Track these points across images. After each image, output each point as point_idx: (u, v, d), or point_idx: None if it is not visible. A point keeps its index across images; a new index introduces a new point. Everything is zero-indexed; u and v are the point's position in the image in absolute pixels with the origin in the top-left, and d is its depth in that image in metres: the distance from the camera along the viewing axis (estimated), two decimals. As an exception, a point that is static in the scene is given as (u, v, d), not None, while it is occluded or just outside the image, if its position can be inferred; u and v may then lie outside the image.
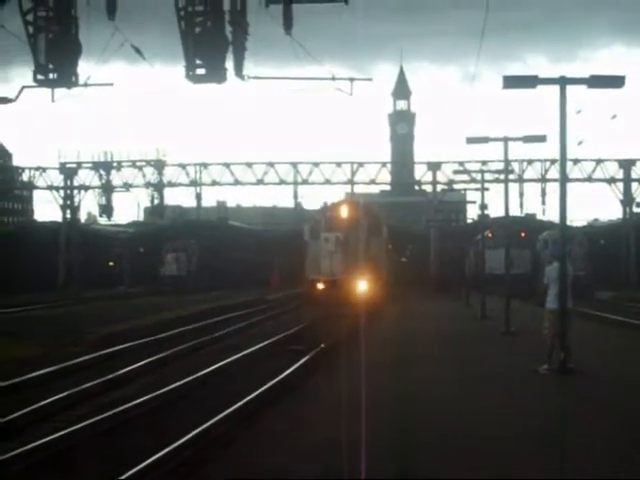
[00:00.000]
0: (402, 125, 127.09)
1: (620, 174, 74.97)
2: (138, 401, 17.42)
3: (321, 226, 43.84)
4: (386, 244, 50.37)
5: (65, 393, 18.59)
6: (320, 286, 41.88)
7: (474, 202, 57.97)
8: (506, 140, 30.60)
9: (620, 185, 75.39)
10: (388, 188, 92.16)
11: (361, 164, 75.76)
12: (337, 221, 43.26)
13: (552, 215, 72.42)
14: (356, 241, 41.87)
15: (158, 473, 11.96)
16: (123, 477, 11.36)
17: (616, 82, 19.20)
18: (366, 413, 13.82)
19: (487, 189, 45.38)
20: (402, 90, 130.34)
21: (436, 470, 10.80)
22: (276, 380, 19.39)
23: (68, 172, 74.41)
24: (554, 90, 18.94)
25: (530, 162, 73.30)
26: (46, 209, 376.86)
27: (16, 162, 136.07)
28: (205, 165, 75.87)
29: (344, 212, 43.56)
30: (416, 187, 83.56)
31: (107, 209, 73.68)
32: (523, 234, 64.13)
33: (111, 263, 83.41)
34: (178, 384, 19.73)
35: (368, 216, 44.67)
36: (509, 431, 13.14)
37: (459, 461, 11.29)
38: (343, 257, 41.57)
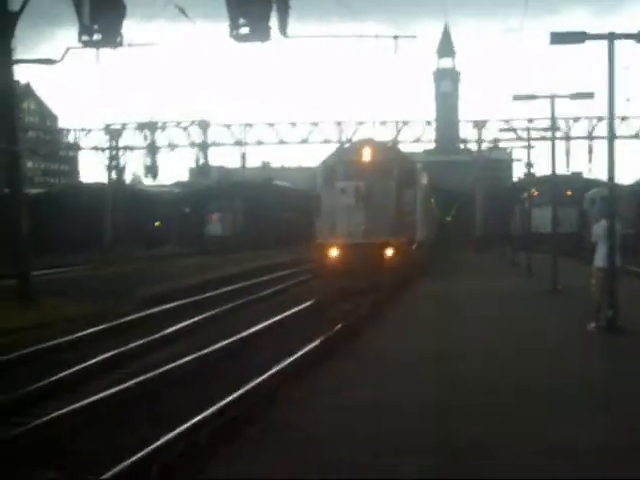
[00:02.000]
0: (447, 83, 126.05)
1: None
2: (186, 359, 17.59)
3: (337, 172, 34.98)
4: (426, 197, 43.09)
5: (115, 351, 18.83)
6: (334, 253, 33.51)
7: (520, 160, 57.50)
8: (553, 97, 30.29)
9: (669, 142, 74.29)
10: (433, 146, 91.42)
11: (406, 122, 75.28)
12: (358, 166, 34.67)
13: (599, 173, 71.75)
14: (384, 192, 33.80)
15: (201, 434, 12.05)
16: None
17: (666, 36, 18.86)
18: (416, 367, 13.83)
19: (533, 147, 45.22)
20: (446, 48, 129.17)
21: (477, 431, 10.80)
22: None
23: (113, 133, 74.66)
24: (602, 46, 18.71)
25: (577, 119, 72.49)
26: (92, 170, 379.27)
27: (61, 124, 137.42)
28: (250, 125, 75.78)
29: (367, 154, 34.96)
30: (461, 145, 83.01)
31: (152, 169, 73.89)
32: (570, 192, 63.65)
33: (157, 223, 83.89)
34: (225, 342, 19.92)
35: (400, 161, 36.32)
36: (557, 390, 13.08)
37: (504, 419, 11.27)
38: (366, 213, 33.48)
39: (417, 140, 75.42)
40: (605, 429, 10.57)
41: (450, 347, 17.18)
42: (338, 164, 35.05)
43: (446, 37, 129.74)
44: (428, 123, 77.98)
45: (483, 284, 33.50)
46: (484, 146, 75.31)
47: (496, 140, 72.98)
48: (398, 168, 34.90)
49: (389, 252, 33.22)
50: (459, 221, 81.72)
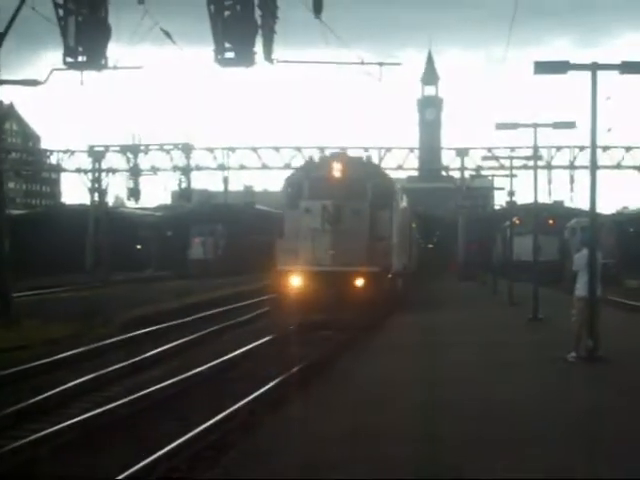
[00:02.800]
0: (430, 111, 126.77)
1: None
2: (166, 383, 17.51)
3: (302, 190, 30.50)
4: (405, 221, 38.74)
5: (93, 374, 18.74)
6: (296, 282, 28.78)
7: (502, 188, 57.64)
8: (535, 126, 30.46)
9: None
10: (416, 174, 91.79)
11: (389, 149, 75.44)
12: (327, 183, 30.16)
13: (580, 202, 72.10)
14: (355, 214, 29.48)
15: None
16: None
17: (648, 68, 19.02)
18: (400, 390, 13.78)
19: (515, 175, 45.34)
20: (430, 76, 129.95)
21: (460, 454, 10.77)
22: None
23: (96, 155, 74.48)
24: (585, 76, 18.83)
25: (559, 149, 72.83)
26: (74, 192, 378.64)
27: (44, 145, 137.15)
28: (233, 149, 75.73)
29: (337, 169, 30.51)
30: (444, 173, 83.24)
31: (135, 192, 73.70)
32: (551, 221, 63.87)
33: (138, 246, 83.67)
34: (204, 367, 19.82)
35: (375, 178, 31.81)
36: (535, 418, 13.08)
37: (483, 452, 11.27)
38: (334, 237, 28.96)
39: (400, 167, 75.59)
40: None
41: (425, 376, 17.16)
42: (304, 180, 30.60)
43: (430, 65, 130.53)
44: (411, 150, 78.20)
45: (464, 314, 33.50)
46: (466, 174, 75.52)
47: (478, 168, 73.23)
48: (373, 186, 30.63)
49: (360, 282, 28.52)
50: (441, 248, 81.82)
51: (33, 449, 12.46)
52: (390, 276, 30.69)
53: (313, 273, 28.64)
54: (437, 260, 76.92)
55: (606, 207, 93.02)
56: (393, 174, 74.43)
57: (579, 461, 10.55)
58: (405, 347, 22.21)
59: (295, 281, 28.68)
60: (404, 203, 37.69)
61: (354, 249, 28.68)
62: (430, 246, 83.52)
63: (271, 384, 17.62)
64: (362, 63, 31.52)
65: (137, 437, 13.68)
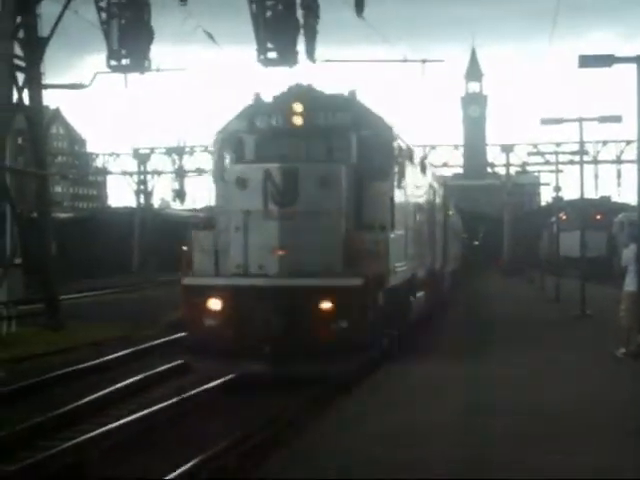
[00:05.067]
0: (474, 107, 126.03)
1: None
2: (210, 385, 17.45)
3: (241, 148, 19.43)
4: (432, 203, 27.67)
5: (141, 375, 18.81)
6: (216, 306, 17.22)
7: (548, 184, 57.25)
8: (581, 121, 30.17)
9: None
10: (461, 171, 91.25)
11: (433, 147, 75.24)
12: (280, 135, 19.14)
13: (628, 197, 71.43)
14: (325, 185, 17.48)
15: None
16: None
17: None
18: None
19: (561, 171, 45.01)
20: (474, 72, 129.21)
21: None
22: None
23: (141, 157, 75.02)
24: (631, 69, 18.62)
25: (605, 143, 72.22)
26: (120, 194, 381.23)
27: (90, 148, 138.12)
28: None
29: (299, 113, 19.04)
30: (489, 170, 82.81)
31: (180, 194, 74.21)
32: (599, 216, 63.31)
33: (184, 247, 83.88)
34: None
35: (365, 125, 19.35)
36: (585, 414, 12.95)
37: (531, 447, 11.15)
38: (285, 227, 17.23)
39: (445, 164, 75.30)
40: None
41: (469, 373, 17.03)
42: (243, 132, 19.18)
43: (474, 61, 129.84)
44: (456, 147, 77.89)
45: (511, 309, 33.29)
46: (512, 170, 75.12)
47: (524, 164, 72.80)
48: (359, 140, 18.85)
49: (328, 305, 16.76)
50: (487, 245, 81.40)
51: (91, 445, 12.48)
52: (386, 291, 18.10)
53: (247, 291, 16.92)
54: (483, 257, 76.57)
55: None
56: (439, 171, 74.44)
57: (628, 454, 10.42)
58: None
59: (215, 305, 17.03)
60: (428, 178, 26.72)
61: (320, 247, 16.98)
62: (476, 243, 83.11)
63: None
64: (405, 61, 31.41)
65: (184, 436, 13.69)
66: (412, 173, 21.94)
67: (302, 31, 26.48)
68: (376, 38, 28.40)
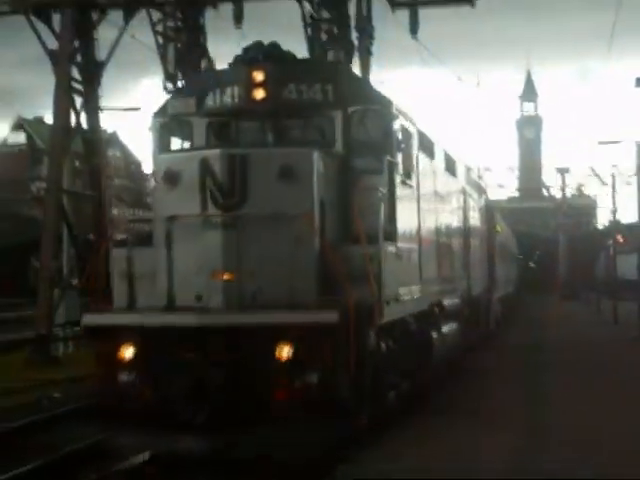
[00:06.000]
0: (530, 129, 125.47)
1: None
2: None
3: (185, 135, 14.42)
4: (474, 214, 24.01)
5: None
6: (128, 355, 11.98)
7: (605, 206, 56.81)
8: (638, 142, 29.91)
9: None
10: (516, 193, 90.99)
11: (488, 169, 74.99)
12: (238, 115, 13.92)
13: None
14: (288, 180, 12.19)
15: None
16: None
17: None
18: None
19: (618, 193, 44.58)
20: (529, 93, 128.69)
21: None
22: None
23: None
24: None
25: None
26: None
27: (146, 170, 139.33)
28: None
29: (260, 82, 13.44)
30: (544, 192, 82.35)
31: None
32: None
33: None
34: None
35: (353, 98, 13.77)
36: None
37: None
38: (231, 239, 12.00)
39: (500, 186, 75.04)
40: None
41: (526, 399, 16.81)
42: (188, 114, 14.08)
43: (529, 82, 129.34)
44: (511, 169, 77.65)
45: (567, 331, 32.99)
46: (568, 192, 74.61)
47: (580, 186, 72.35)
48: (345, 120, 13.74)
49: (288, 352, 11.64)
50: (542, 267, 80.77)
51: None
52: (385, 328, 12.93)
53: (171, 333, 11.93)
54: (539, 279, 75.97)
55: None
56: (493, 193, 73.93)
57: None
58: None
59: (128, 354, 12.06)
60: (461, 181, 21.55)
61: (282, 267, 12.03)
62: (532, 265, 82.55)
63: None
64: (459, 80, 31.36)
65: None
66: (431, 170, 16.87)
67: (357, 52, 26.56)
68: (430, 59, 28.55)
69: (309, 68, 14.87)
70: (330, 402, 11.53)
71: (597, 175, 63.62)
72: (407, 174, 14.39)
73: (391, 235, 13.11)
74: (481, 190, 27.46)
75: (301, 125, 13.95)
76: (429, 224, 16.52)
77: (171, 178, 12.27)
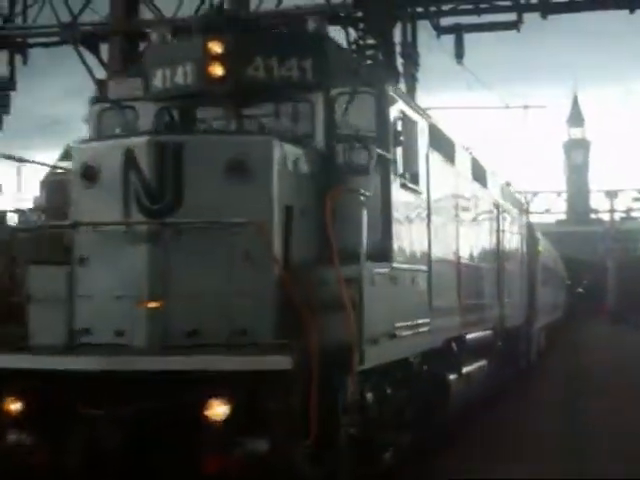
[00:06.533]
0: (577, 153, 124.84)
1: None
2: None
3: (126, 122, 10.86)
4: (510, 232, 21.08)
5: None
6: (16, 409, 8.67)
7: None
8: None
9: None
10: (564, 217, 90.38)
11: (535, 193, 74.65)
12: (192, 98, 10.58)
13: None
14: (242, 177, 8.99)
15: None
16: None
17: None
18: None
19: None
20: (576, 118, 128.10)
21: None
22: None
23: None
24: None
25: None
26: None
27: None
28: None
29: (216, 58, 10.10)
30: (592, 216, 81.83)
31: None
32: None
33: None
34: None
35: (358, 81, 10.21)
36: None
37: None
38: (158, 256, 8.86)
39: (547, 211, 74.65)
40: None
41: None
42: (132, 97, 10.98)
43: (575, 106, 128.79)
44: (558, 194, 77.22)
45: (617, 355, 32.71)
46: (616, 216, 74.09)
47: (629, 210, 71.84)
48: (328, 101, 10.43)
49: (222, 410, 8.23)
50: (591, 293, 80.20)
51: None
52: (373, 375, 9.68)
53: (69, 382, 8.59)
54: (587, 305, 75.44)
55: None
56: (541, 218, 73.38)
57: None
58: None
59: (16, 408, 8.78)
60: (493, 194, 18.79)
61: (227, 293, 8.69)
62: (580, 290, 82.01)
63: None
64: (507, 107, 31.34)
65: None
66: (450, 175, 13.93)
67: (402, 79, 26.60)
68: (476, 84, 28.59)
69: (282, 39, 11.32)
70: (284, 473, 8.29)
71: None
72: (411, 176, 11.18)
73: (385, 253, 10.02)
74: (521, 207, 24.64)
75: (271, 111, 10.64)
76: (446, 241, 13.36)
77: (88, 174, 9.21)
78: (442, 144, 13.29)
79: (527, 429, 16.10)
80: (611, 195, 73.85)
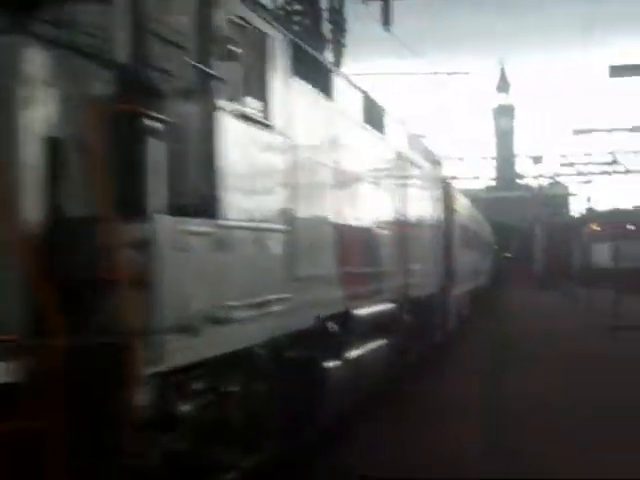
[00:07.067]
0: (505, 119, 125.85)
1: None
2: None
3: None
4: (418, 189, 18.00)
5: None
6: None
7: (579, 195, 57.01)
8: (612, 131, 29.98)
9: None
10: (493, 183, 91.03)
11: (463, 159, 75.01)
12: None
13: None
14: None
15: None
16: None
17: None
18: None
19: (590, 181, 44.75)
20: (504, 84, 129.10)
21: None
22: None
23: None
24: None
25: (637, 153, 71.79)
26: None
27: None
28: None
29: None
30: (519, 181, 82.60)
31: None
32: (633, 226, 62.98)
33: None
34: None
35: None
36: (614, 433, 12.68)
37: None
38: None
39: (476, 177, 75.08)
40: None
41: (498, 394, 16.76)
42: None
43: (503, 74, 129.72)
44: (486, 159, 77.68)
45: (543, 322, 33.04)
46: (543, 181, 74.84)
47: (555, 175, 72.58)
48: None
49: None
50: (519, 257, 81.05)
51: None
52: (185, 381, 6.95)
53: None
54: (515, 269, 76.22)
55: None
56: (470, 184, 73.87)
57: None
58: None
59: None
60: (392, 138, 15.14)
61: None
62: (508, 255, 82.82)
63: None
64: (433, 73, 31.34)
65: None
66: (323, 113, 10.77)
67: (330, 45, 26.45)
68: (404, 52, 28.49)
69: None
70: None
71: (571, 164, 63.73)
72: (258, 106, 8.35)
73: (208, 206, 7.28)
74: (434, 161, 21.25)
75: (58, 13, 6.95)
76: (320, 195, 10.43)
77: None
78: (313, 72, 10.32)
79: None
80: (537, 160, 74.51)
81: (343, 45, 26.71)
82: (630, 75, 18.86)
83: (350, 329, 11.20)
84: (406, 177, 16.15)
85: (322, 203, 10.47)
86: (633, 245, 60.22)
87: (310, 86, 10.14)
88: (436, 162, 21.62)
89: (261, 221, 8.27)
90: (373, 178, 13.34)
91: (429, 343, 19.22)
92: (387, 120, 14.54)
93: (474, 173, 74.76)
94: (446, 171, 24.62)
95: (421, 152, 18.77)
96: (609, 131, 29.86)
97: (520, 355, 21.99)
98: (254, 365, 8.31)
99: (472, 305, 30.55)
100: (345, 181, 11.52)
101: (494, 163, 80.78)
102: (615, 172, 33.61)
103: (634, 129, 28.82)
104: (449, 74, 31.69)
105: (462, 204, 28.85)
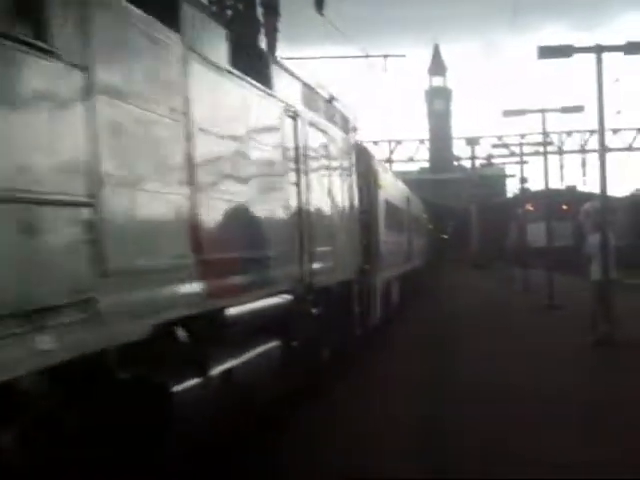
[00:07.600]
0: (439, 101, 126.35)
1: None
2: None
3: None
4: (326, 157, 14.83)
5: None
6: None
7: (514, 176, 57.60)
8: (544, 112, 30.35)
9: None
10: (427, 165, 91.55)
11: (399, 142, 75.41)
12: None
13: (594, 186, 71.91)
14: None
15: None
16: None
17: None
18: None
19: (526, 162, 45.28)
20: (438, 67, 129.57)
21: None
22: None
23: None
24: (591, 59, 18.77)
25: (569, 133, 72.69)
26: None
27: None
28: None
29: None
30: (455, 163, 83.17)
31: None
32: (565, 206, 63.78)
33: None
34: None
35: None
36: (554, 401, 12.96)
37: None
38: None
39: (411, 159, 75.52)
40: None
41: (438, 366, 16.98)
42: None
43: (436, 56, 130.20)
44: (421, 142, 78.13)
45: (479, 300, 33.36)
46: (478, 163, 75.51)
47: (489, 157, 73.25)
48: None
49: None
50: (455, 238, 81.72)
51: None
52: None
53: None
54: (452, 250, 76.85)
55: (621, 189, 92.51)
56: (405, 166, 74.19)
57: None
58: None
59: None
60: (287, 91, 12.09)
61: None
62: (445, 236, 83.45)
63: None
64: (367, 56, 31.43)
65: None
66: (152, 45, 7.33)
67: (263, 30, 26.40)
68: (338, 37, 28.60)
69: None
70: None
71: (505, 145, 64.37)
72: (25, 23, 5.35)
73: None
74: (346, 126, 17.29)
75: None
76: (155, 158, 7.37)
77: None
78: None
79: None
80: (472, 142, 75.14)
81: (277, 29, 26.70)
82: (557, 56, 19.13)
83: (216, 336, 8.46)
84: (303, 141, 12.82)
85: (158, 168, 7.39)
86: (565, 224, 61.19)
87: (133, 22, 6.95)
88: (348, 125, 17.49)
89: (32, 190, 5.26)
90: (252, 140, 10.22)
91: (344, 341, 16.16)
92: (274, 69, 11.52)
93: (409, 156, 75.41)
94: (364, 139, 21.47)
95: (326, 112, 15.29)
96: (540, 112, 30.17)
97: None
98: (25, 407, 5.46)
99: (404, 291, 28.22)
100: (202, 141, 8.35)
101: (427, 145, 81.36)
102: (548, 153, 33.95)
103: (564, 110, 29.20)
104: (384, 57, 31.76)
105: (388, 180, 26.18)
